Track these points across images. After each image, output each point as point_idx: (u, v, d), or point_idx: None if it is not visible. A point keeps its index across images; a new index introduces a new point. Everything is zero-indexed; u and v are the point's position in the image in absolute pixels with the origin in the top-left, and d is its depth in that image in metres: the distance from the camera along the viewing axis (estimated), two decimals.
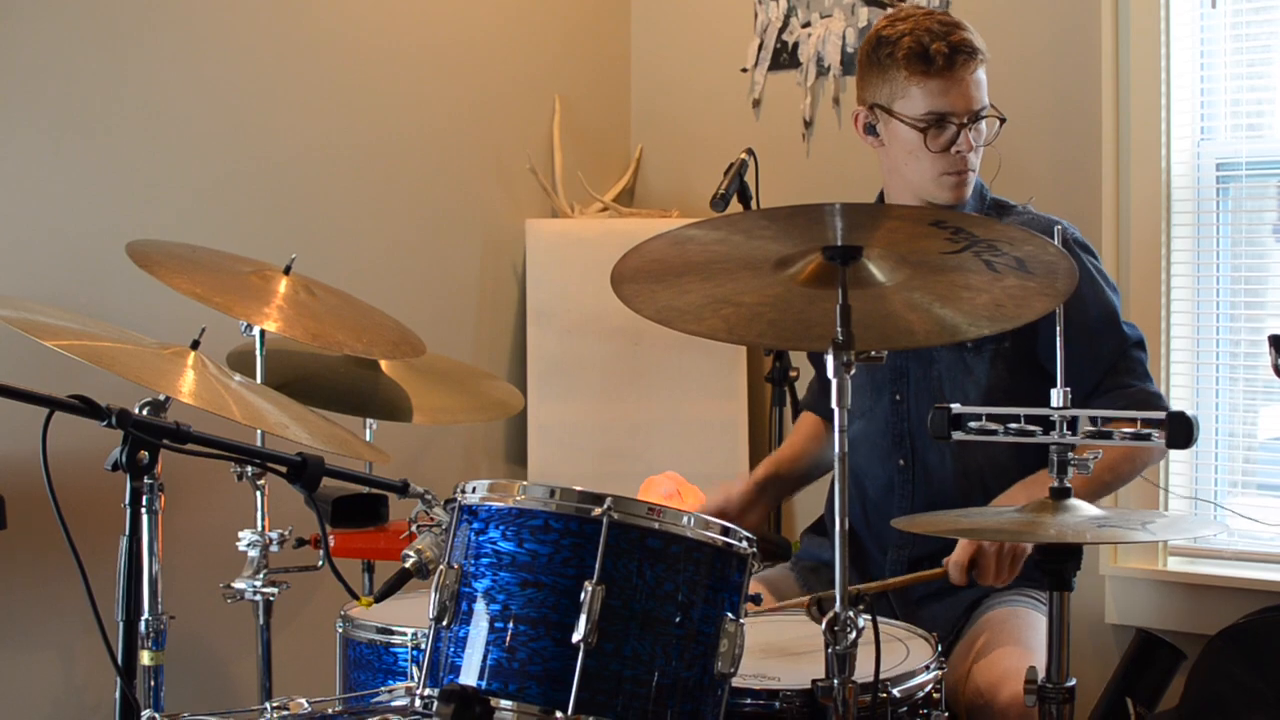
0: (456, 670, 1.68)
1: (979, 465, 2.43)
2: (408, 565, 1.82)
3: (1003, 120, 2.42)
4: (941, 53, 2.34)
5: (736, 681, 1.72)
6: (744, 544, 1.74)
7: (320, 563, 2.50)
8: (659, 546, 1.67)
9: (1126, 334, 2.43)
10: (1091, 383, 2.34)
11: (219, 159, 3.05)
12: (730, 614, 1.71)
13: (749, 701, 1.78)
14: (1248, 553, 3.00)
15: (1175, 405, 3.03)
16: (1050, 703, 1.80)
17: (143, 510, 1.79)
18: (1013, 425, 1.86)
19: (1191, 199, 3.06)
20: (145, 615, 2.01)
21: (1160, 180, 3.05)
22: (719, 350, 3.45)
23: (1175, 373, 3.07)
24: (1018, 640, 2.24)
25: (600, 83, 3.92)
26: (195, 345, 2.12)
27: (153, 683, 2.02)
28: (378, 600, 1.84)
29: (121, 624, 1.73)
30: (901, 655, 1.96)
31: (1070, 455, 1.83)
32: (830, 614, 1.68)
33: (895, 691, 1.81)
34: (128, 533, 1.75)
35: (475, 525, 1.72)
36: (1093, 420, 1.81)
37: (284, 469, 1.85)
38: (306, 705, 1.87)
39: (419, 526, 1.86)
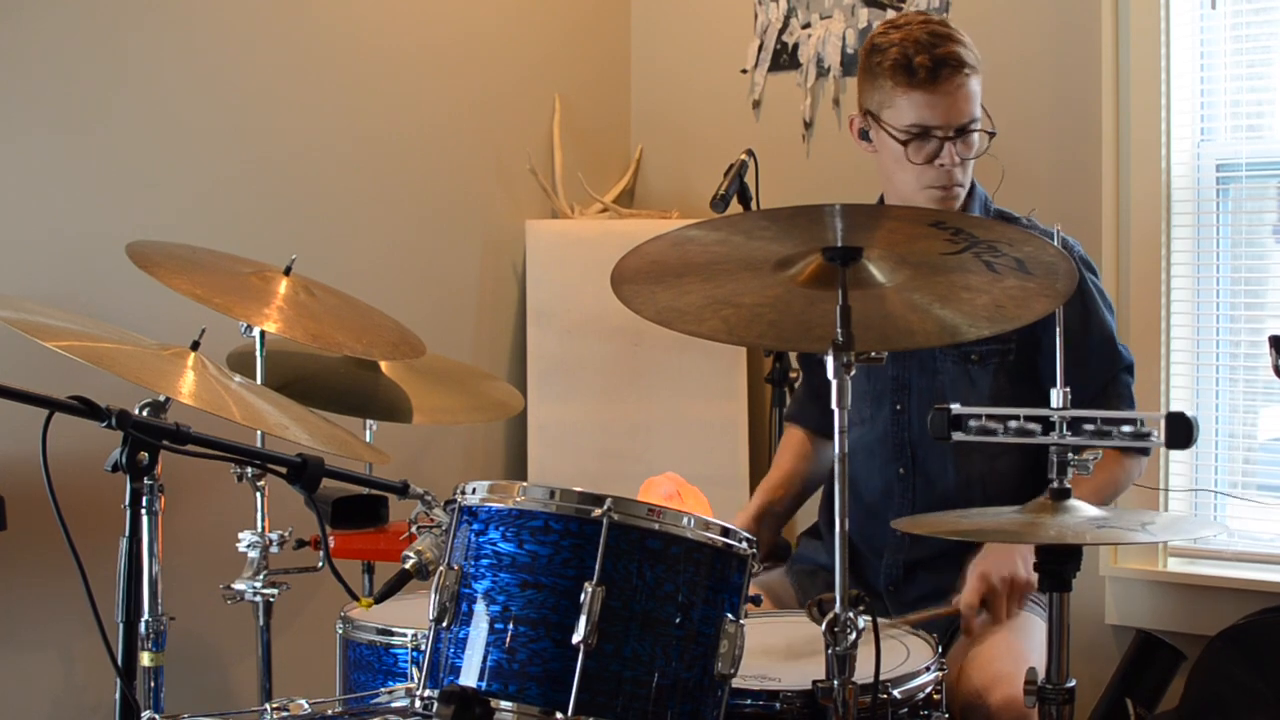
0: (456, 671, 1.68)
1: (980, 474, 2.44)
2: (408, 566, 1.82)
3: (992, 134, 2.41)
4: (925, 65, 2.33)
5: (737, 682, 1.72)
6: (744, 545, 1.74)
7: (320, 564, 2.50)
8: (659, 547, 1.67)
9: (1119, 357, 2.46)
10: (1079, 402, 2.35)
11: (219, 159, 3.05)
12: (730, 615, 1.71)
13: (749, 702, 1.78)
14: (1248, 554, 3.00)
15: (1175, 406, 3.03)
16: (1050, 704, 1.80)
17: (143, 511, 1.79)
18: (1012, 425, 1.86)
19: (1191, 199, 3.06)
20: (145, 616, 2.01)
21: (1160, 181, 3.04)
22: (719, 351, 3.45)
23: (1175, 373, 3.07)
24: (1012, 642, 2.24)
25: (600, 83, 3.92)
26: (195, 346, 2.12)
27: (153, 684, 2.02)
28: (378, 601, 1.84)
29: (121, 625, 1.73)
30: (902, 656, 1.96)
31: (1071, 456, 1.83)
32: (830, 615, 1.68)
33: (895, 692, 1.82)
34: (128, 533, 1.75)
35: (475, 526, 1.72)
36: (1092, 420, 1.82)
37: (284, 470, 1.85)
38: (306, 706, 1.86)
39: (419, 527, 1.86)
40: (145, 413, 1.93)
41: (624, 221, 3.71)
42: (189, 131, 3.00)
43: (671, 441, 3.51)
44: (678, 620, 1.67)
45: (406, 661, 2.11)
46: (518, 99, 3.70)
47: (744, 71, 3.72)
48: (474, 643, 1.68)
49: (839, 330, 1.74)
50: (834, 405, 1.73)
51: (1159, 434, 1.78)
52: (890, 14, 3.42)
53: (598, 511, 1.65)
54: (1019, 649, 2.20)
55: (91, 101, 2.86)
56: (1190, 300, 3.07)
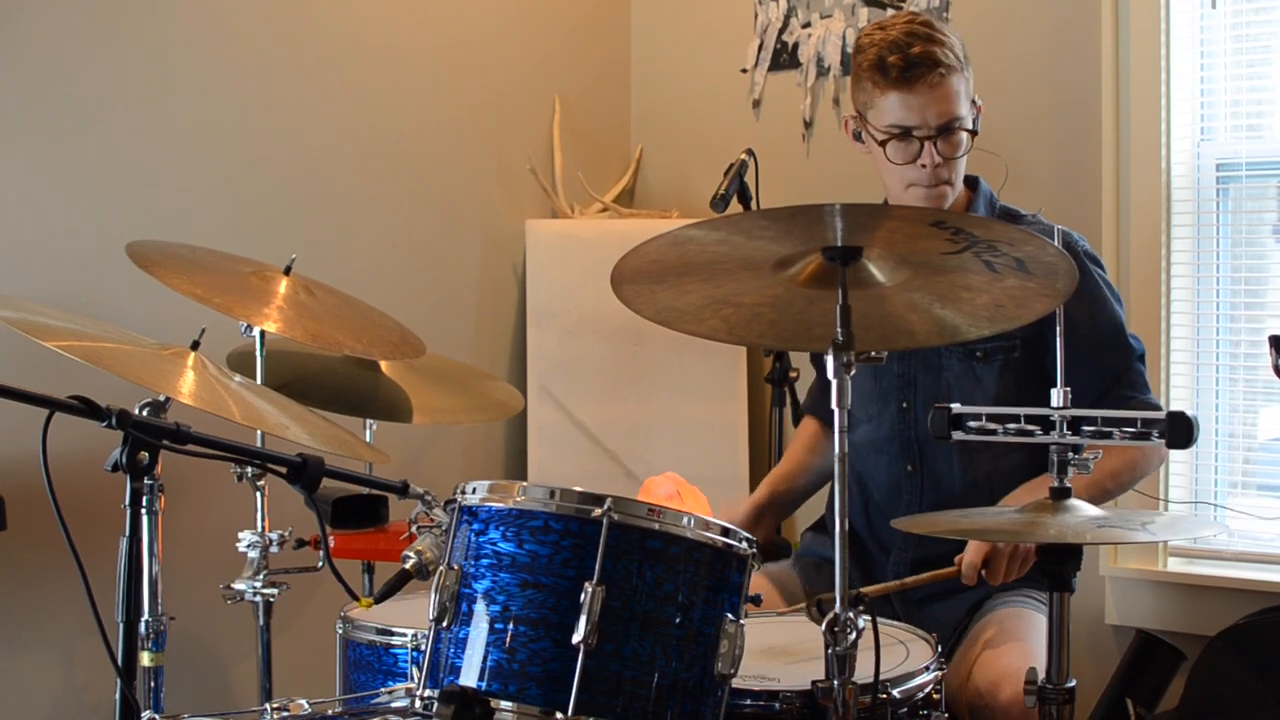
0: (456, 671, 1.68)
1: (987, 474, 2.44)
2: (408, 566, 1.82)
3: (973, 133, 2.41)
4: (897, 65, 2.33)
5: (736, 682, 1.72)
6: (744, 545, 1.74)
7: (320, 564, 2.50)
8: (659, 547, 1.67)
9: (1130, 347, 2.45)
10: (1095, 395, 2.35)
11: (219, 159, 3.05)
12: (730, 615, 1.71)
13: (749, 702, 1.78)
14: (1247, 553, 3.00)
15: (1175, 406, 3.03)
16: (1050, 703, 1.81)
17: (143, 511, 1.79)
18: (1012, 425, 1.86)
19: (1191, 199, 3.06)
20: (145, 616, 2.01)
21: (1160, 181, 3.05)
22: (719, 351, 3.45)
23: (1175, 373, 3.07)
24: (1019, 640, 2.24)
25: (600, 83, 3.92)
26: (195, 346, 2.12)
27: (153, 684, 2.02)
28: (378, 601, 1.84)
29: (121, 625, 1.73)
30: (901, 656, 1.96)
31: (1071, 455, 1.83)
32: (830, 615, 1.68)
33: (895, 692, 1.82)
34: (128, 533, 1.75)
35: (475, 526, 1.72)
36: (1092, 420, 1.82)
37: (284, 470, 1.85)
38: (306, 706, 1.86)
39: (419, 527, 1.86)
40: (145, 413, 1.93)
41: (624, 221, 3.71)
42: (189, 131, 3.00)
43: (671, 441, 3.51)
44: (678, 620, 1.67)
45: (406, 661, 2.11)
46: (518, 99, 3.70)
47: (744, 71, 3.72)
48: (474, 643, 1.68)
49: (839, 330, 1.74)
50: (834, 405, 1.74)
51: (1159, 434, 1.78)
52: (890, 14, 3.42)
53: (598, 511, 1.65)
54: (1026, 647, 2.20)
55: (91, 102, 2.86)
56: (1190, 300, 3.07)
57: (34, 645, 2.79)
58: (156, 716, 1.85)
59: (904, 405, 2.50)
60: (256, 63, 3.13)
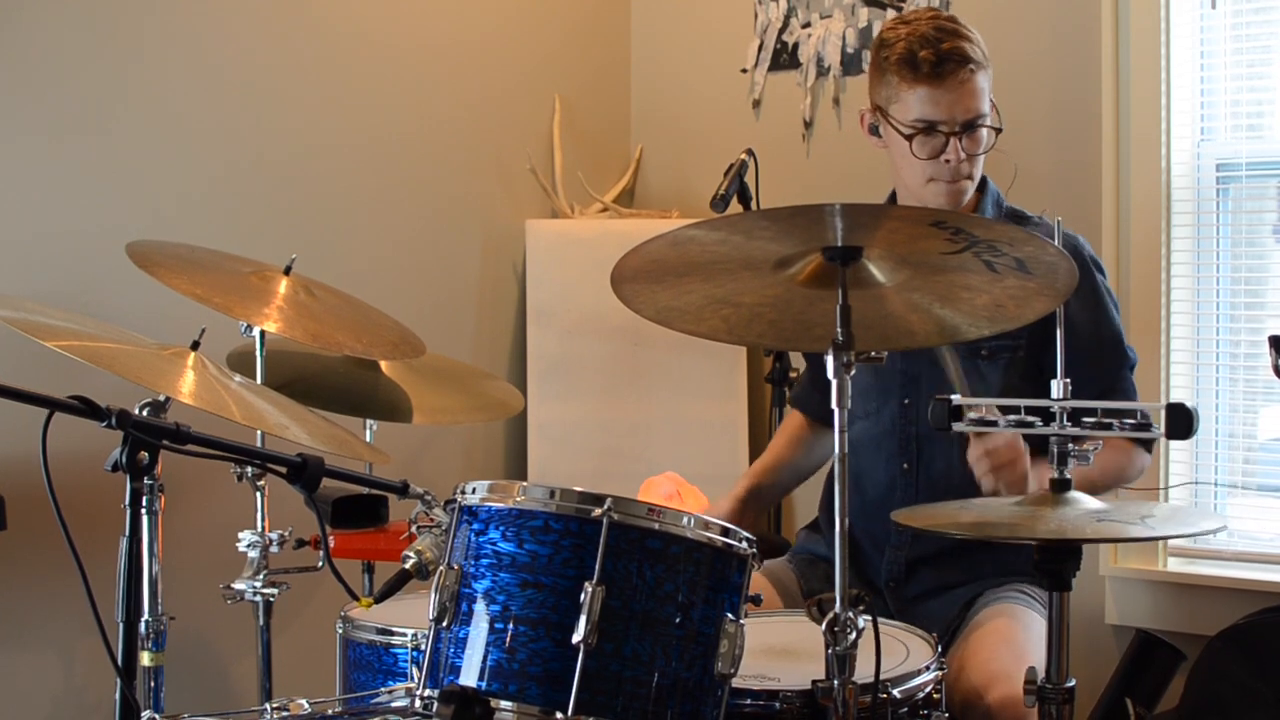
0: (456, 671, 1.68)
1: None
2: (408, 566, 1.82)
3: (998, 130, 2.41)
4: (929, 60, 2.33)
5: (736, 682, 1.72)
6: (744, 545, 1.74)
7: (320, 563, 2.50)
8: (659, 547, 1.67)
9: (1125, 356, 2.49)
10: (1086, 399, 2.36)
11: (219, 159, 3.05)
12: (730, 615, 1.71)
13: (749, 702, 1.78)
14: (1247, 553, 3.00)
15: None
16: (1050, 703, 1.80)
17: (143, 511, 1.79)
18: (1012, 417, 1.86)
19: (1191, 199, 3.06)
20: (145, 616, 2.01)
21: (1160, 180, 3.04)
22: (719, 351, 3.45)
23: (1175, 373, 3.07)
24: (1010, 640, 2.24)
25: (600, 83, 3.92)
26: (195, 346, 2.12)
27: (153, 683, 2.02)
28: (378, 601, 1.84)
29: (121, 625, 1.73)
30: (901, 656, 1.96)
31: (1071, 447, 1.83)
32: (830, 615, 1.68)
33: (895, 692, 1.82)
34: (128, 533, 1.75)
35: (475, 526, 1.72)
36: (1092, 412, 1.82)
37: (284, 470, 1.85)
38: (306, 706, 1.87)
39: (419, 527, 1.86)
40: (145, 412, 1.93)
41: (624, 221, 3.71)
42: (189, 131, 3.00)
43: (671, 441, 3.51)
44: (678, 620, 1.67)
45: (406, 661, 2.11)
46: (518, 99, 3.70)
47: (744, 71, 3.72)
48: (474, 642, 1.68)
49: (839, 330, 1.74)
50: (834, 405, 1.73)
51: (1159, 425, 1.78)
52: (890, 14, 3.42)
53: (598, 511, 1.65)
54: (1018, 647, 2.20)
55: (92, 101, 2.86)
56: (1190, 300, 3.07)
57: (34, 645, 2.79)
58: (156, 716, 1.85)
59: (906, 402, 2.50)
60: (256, 63, 3.13)
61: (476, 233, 3.63)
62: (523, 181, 3.68)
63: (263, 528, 2.40)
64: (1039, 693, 1.81)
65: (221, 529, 2.53)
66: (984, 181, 2.53)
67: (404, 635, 2.11)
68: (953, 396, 1.90)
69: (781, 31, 3.65)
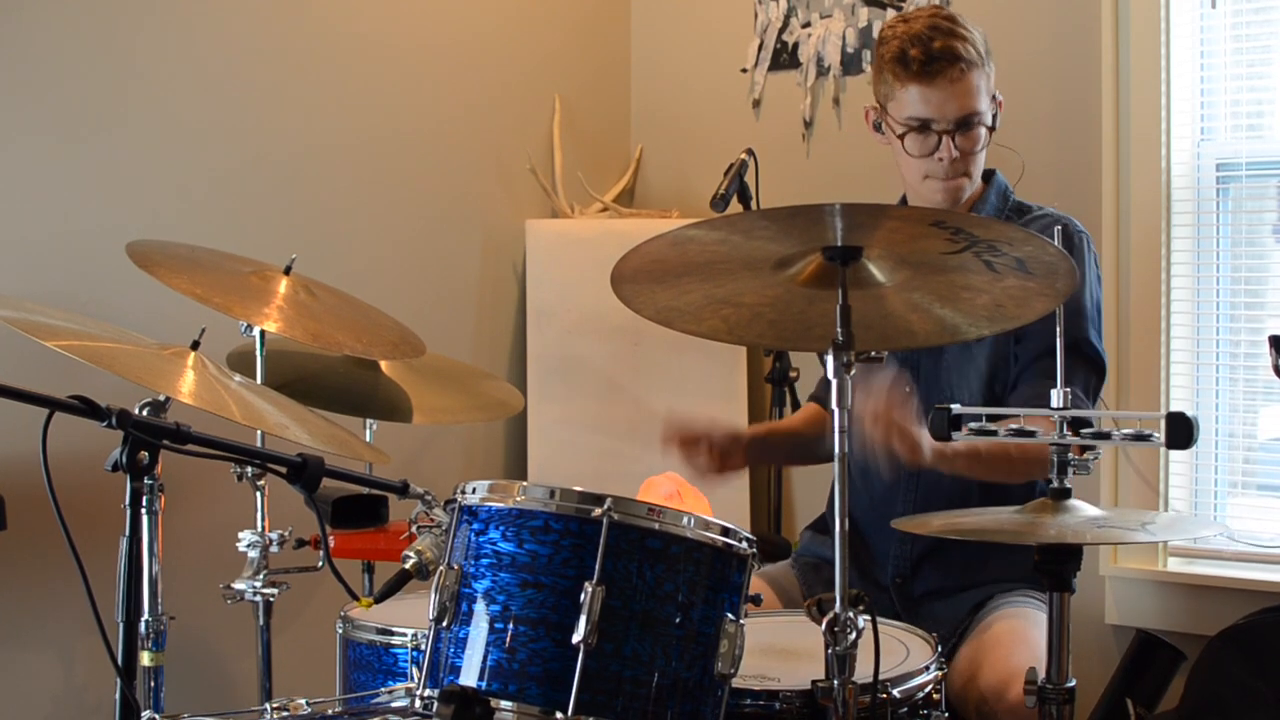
0: (456, 671, 1.68)
1: None
2: (408, 566, 1.82)
3: (991, 129, 2.41)
4: (918, 59, 2.34)
5: (736, 682, 1.72)
6: (744, 545, 1.74)
7: (320, 563, 2.50)
8: (659, 547, 1.67)
9: (1096, 357, 2.39)
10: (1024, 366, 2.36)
11: (219, 159, 3.05)
12: (730, 615, 1.71)
13: (749, 702, 1.78)
14: (1247, 554, 3.00)
15: (1175, 406, 3.03)
16: (1050, 703, 1.80)
17: (143, 511, 1.79)
18: (1013, 426, 1.86)
19: (1191, 199, 3.06)
20: (145, 616, 2.01)
21: (1160, 180, 3.04)
22: (719, 351, 3.45)
23: (1175, 373, 3.07)
24: (1024, 642, 2.24)
25: (600, 83, 3.92)
26: (195, 345, 2.12)
27: (153, 683, 2.02)
28: (378, 601, 1.84)
29: (121, 624, 1.73)
30: (901, 656, 1.96)
31: (1071, 457, 1.83)
32: (830, 615, 1.68)
33: (895, 692, 1.82)
34: (128, 533, 1.75)
35: (475, 526, 1.72)
36: (1089, 421, 1.82)
37: (284, 469, 1.84)
38: (306, 706, 1.87)
39: (419, 527, 1.86)
40: (145, 412, 1.93)
41: (624, 221, 3.71)
42: (189, 131, 3.00)
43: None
44: (678, 620, 1.67)
45: (406, 661, 2.11)
46: (518, 99, 3.70)
47: (744, 71, 3.72)
48: (474, 642, 1.68)
49: (839, 330, 1.74)
50: (833, 405, 1.74)
51: (1159, 434, 1.78)
52: (890, 13, 3.42)
53: (598, 511, 1.65)
54: (1032, 649, 2.20)
55: (92, 101, 2.86)
56: (1190, 300, 3.07)
57: (34, 645, 2.79)
58: (156, 716, 1.85)
59: (907, 390, 2.50)
60: (256, 63, 3.13)
61: (476, 233, 3.63)
62: (523, 181, 3.68)
63: (263, 528, 2.40)
64: (1039, 693, 1.81)
65: (221, 529, 2.53)
66: (992, 174, 2.53)
67: (404, 635, 2.11)
68: (952, 405, 1.90)
69: (781, 31, 3.65)
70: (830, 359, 1.74)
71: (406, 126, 3.43)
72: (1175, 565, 3.07)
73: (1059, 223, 2.40)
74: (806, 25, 3.61)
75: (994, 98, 2.43)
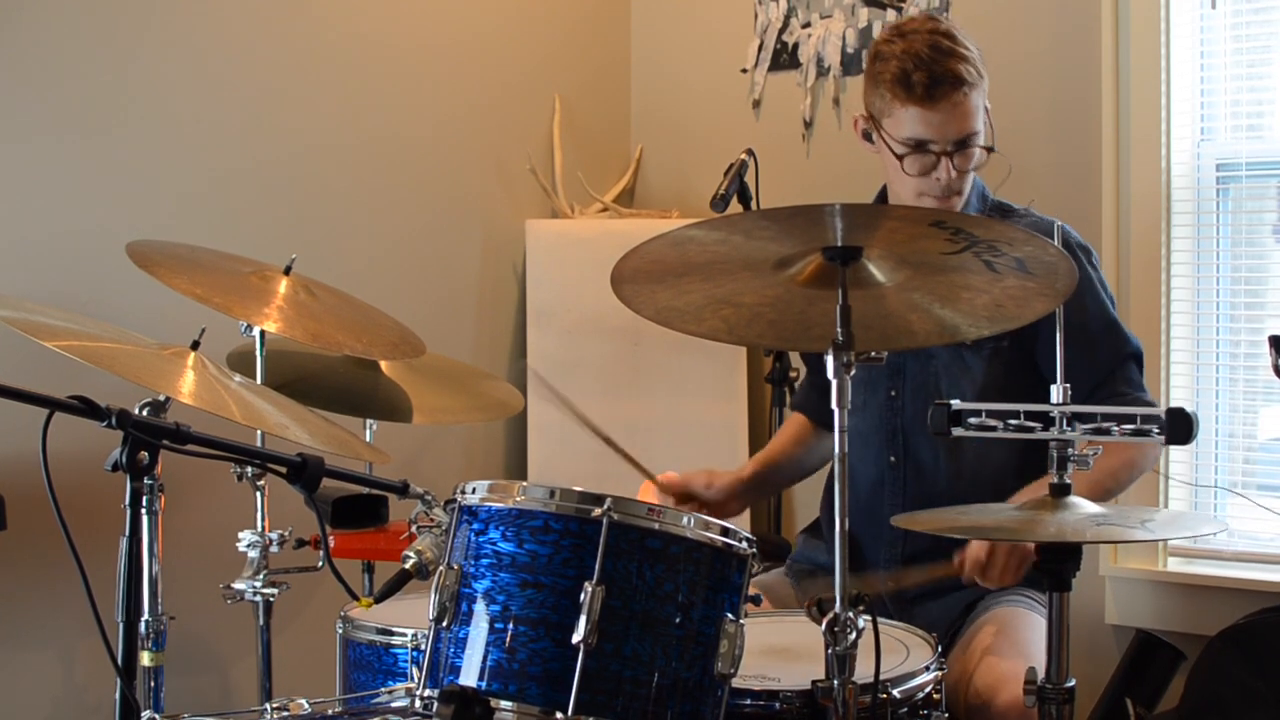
0: (456, 671, 1.68)
1: (971, 465, 2.43)
2: (408, 566, 1.82)
3: (990, 149, 2.40)
4: (921, 83, 2.31)
5: (736, 682, 1.72)
6: (744, 545, 1.74)
7: (320, 563, 2.50)
8: (659, 547, 1.67)
9: (1124, 344, 2.43)
10: (1086, 390, 2.33)
11: (219, 159, 3.05)
12: (730, 614, 1.71)
13: (749, 702, 1.78)
14: (1247, 553, 3.00)
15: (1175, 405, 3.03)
16: (1050, 703, 1.80)
17: (143, 511, 1.79)
18: (1012, 422, 1.86)
19: (1191, 199, 3.06)
20: (145, 616, 2.01)
21: (1160, 180, 3.04)
22: (719, 351, 3.45)
23: (1175, 373, 3.07)
24: (1017, 642, 2.24)
25: (600, 83, 3.92)
26: (195, 346, 2.12)
27: (153, 683, 2.02)
28: (378, 601, 1.84)
29: (121, 624, 1.73)
30: (901, 656, 1.96)
31: (1071, 452, 1.83)
32: (830, 615, 1.68)
33: (895, 692, 1.81)
34: (128, 533, 1.75)
35: (475, 526, 1.72)
36: (1092, 416, 1.82)
37: (284, 469, 1.84)
38: (306, 706, 1.87)
39: (419, 527, 1.86)
40: (145, 412, 1.93)
41: (624, 221, 3.71)
42: (189, 131, 3.00)
43: (671, 441, 3.51)
44: (678, 620, 1.67)
45: (406, 661, 2.11)
46: (518, 99, 3.70)
47: (744, 71, 3.72)
48: (474, 642, 1.68)
49: (839, 330, 1.74)
50: (834, 405, 1.74)
51: (1159, 430, 1.78)
52: (890, 14, 3.42)
53: (597, 511, 1.65)
54: (1024, 649, 2.20)
55: (92, 101, 2.86)
56: (1190, 300, 3.07)
57: (34, 645, 2.79)
58: (156, 716, 1.85)
59: (892, 394, 2.49)
60: (256, 63, 3.13)
61: (476, 233, 3.63)
62: (523, 181, 3.68)
63: (263, 528, 2.40)
64: (1039, 693, 1.81)
65: (221, 529, 2.53)
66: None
67: (404, 635, 2.11)
68: (952, 402, 1.90)
69: (781, 31, 3.65)
70: (830, 359, 1.74)
71: (406, 126, 3.43)
72: (1175, 565, 3.07)
73: (1042, 226, 2.39)
74: (806, 25, 3.61)
75: (985, 109, 2.41)
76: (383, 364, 2.80)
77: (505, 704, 1.63)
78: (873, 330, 1.89)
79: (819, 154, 3.61)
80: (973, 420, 1.88)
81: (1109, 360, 2.40)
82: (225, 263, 2.53)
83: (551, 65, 3.79)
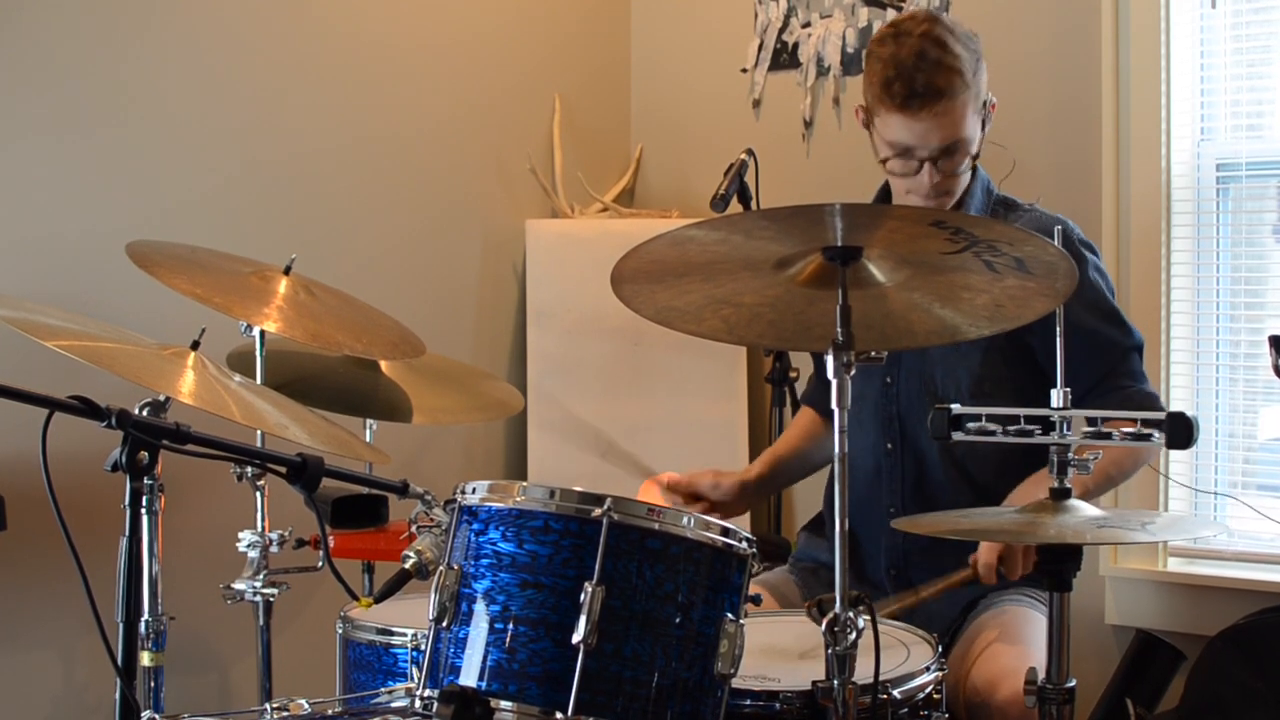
0: (456, 671, 1.68)
1: (963, 450, 2.43)
2: (407, 566, 1.82)
3: (975, 156, 2.39)
4: (901, 94, 2.32)
5: (736, 682, 1.72)
6: (744, 545, 1.74)
7: (320, 563, 2.50)
8: (659, 547, 1.67)
9: (1127, 335, 2.43)
10: (1088, 382, 2.34)
11: (219, 159, 3.05)
12: (730, 615, 1.71)
13: (749, 702, 1.78)
14: (1248, 554, 3.00)
15: (1175, 406, 3.03)
16: (1050, 703, 1.80)
17: (143, 511, 1.79)
18: (1012, 426, 1.86)
19: (1191, 199, 3.06)
20: (145, 616, 2.01)
21: (1160, 180, 3.04)
22: (719, 351, 3.45)
23: (1175, 373, 3.07)
24: (1016, 639, 2.24)
25: (600, 83, 3.92)
26: (195, 346, 2.12)
27: (153, 683, 2.02)
28: (378, 601, 1.84)
29: (121, 624, 1.73)
30: (902, 656, 1.96)
31: (1070, 455, 1.83)
32: (830, 615, 1.68)
33: (895, 693, 1.81)
34: (128, 533, 1.75)
35: (475, 526, 1.72)
36: (1092, 420, 1.82)
37: (284, 469, 1.84)
38: (306, 706, 1.86)
39: (419, 527, 1.86)
40: (145, 412, 1.92)
41: (624, 221, 3.71)
42: (189, 131, 3.00)
43: (671, 441, 3.51)
44: (678, 620, 1.67)
45: (406, 661, 2.11)
46: (518, 99, 3.70)
47: (744, 71, 3.72)
48: (474, 642, 1.68)
49: (839, 330, 1.74)
50: (833, 405, 1.74)
51: (1159, 434, 1.78)
52: (890, 14, 3.42)
53: (597, 511, 1.65)
54: (1024, 647, 2.20)
55: (92, 101, 2.86)
56: (1190, 300, 3.07)
57: (34, 645, 2.79)
58: (156, 716, 1.85)
59: (888, 380, 2.50)
60: (256, 63, 3.13)
61: (476, 233, 3.63)
62: (523, 181, 3.68)
63: (263, 528, 2.40)
64: (1039, 693, 1.81)
65: (221, 529, 2.53)
66: (975, 169, 2.52)
67: (404, 635, 2.11)
68: (952, 405, 1.90)
69: (781, 31, 3.65)
70: (830, 359, 1.74)
71: (406, 127, 3.43)
72: (1175, 565, 3.07)
73: (1055, 222, 2.40)
74: (806, 25, 3.61)
75: (985, 103, 2.40)
76: (382, 364, 2.80)
77: (505, 704, 1.63)
78: (873, 330, 1.89)
79: (819, 154, 3.61)
80: (972, 425, 1.88)
81: (1109, 353, 2.40)
82: (225, 263, 2.53)
83: (551, 65, 3.79)
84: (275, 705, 1.84)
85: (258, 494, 2.40)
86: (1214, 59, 3.05)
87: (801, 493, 3.51)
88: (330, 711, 1.93)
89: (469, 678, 1.66)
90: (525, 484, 1.72)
